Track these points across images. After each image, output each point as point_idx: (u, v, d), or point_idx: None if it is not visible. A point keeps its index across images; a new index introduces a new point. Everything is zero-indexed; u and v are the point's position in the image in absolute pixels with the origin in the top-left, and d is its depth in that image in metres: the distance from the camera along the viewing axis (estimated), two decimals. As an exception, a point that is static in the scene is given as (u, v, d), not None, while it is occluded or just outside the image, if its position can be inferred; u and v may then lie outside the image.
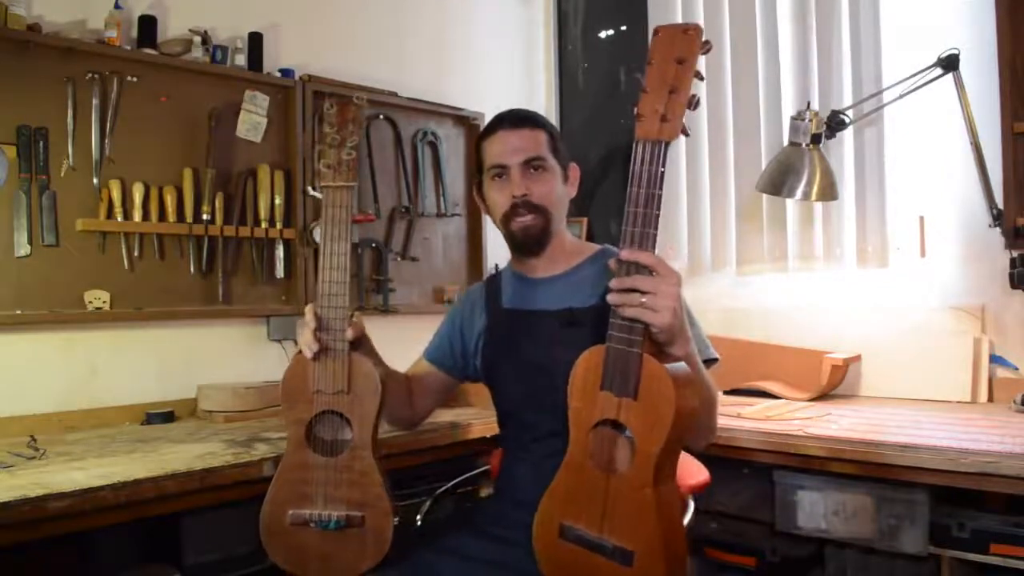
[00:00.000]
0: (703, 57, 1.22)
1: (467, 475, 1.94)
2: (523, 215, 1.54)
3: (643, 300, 1.18)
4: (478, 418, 2.06)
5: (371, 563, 1.42)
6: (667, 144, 1.20)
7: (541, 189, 1.54)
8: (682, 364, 1.24)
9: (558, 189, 1.58)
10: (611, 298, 1.22)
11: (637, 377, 1.19)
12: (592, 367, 1.25)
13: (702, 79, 1.22)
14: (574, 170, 1.64)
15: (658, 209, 1.21)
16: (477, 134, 2.91)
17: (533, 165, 1.54)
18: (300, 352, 1.43)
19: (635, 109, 1.21)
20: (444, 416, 2.12)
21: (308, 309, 1.43)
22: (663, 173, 1.20)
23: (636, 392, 1.20)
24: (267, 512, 1.43)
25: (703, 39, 1.19)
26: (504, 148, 1.55)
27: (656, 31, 1.21)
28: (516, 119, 1.58)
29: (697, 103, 1.21)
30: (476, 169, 1.65)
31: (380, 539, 1.41)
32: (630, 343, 1.20)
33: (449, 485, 1.90)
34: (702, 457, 1.64)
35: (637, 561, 1.19)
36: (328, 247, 1.42)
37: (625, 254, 1.21)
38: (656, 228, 1.21)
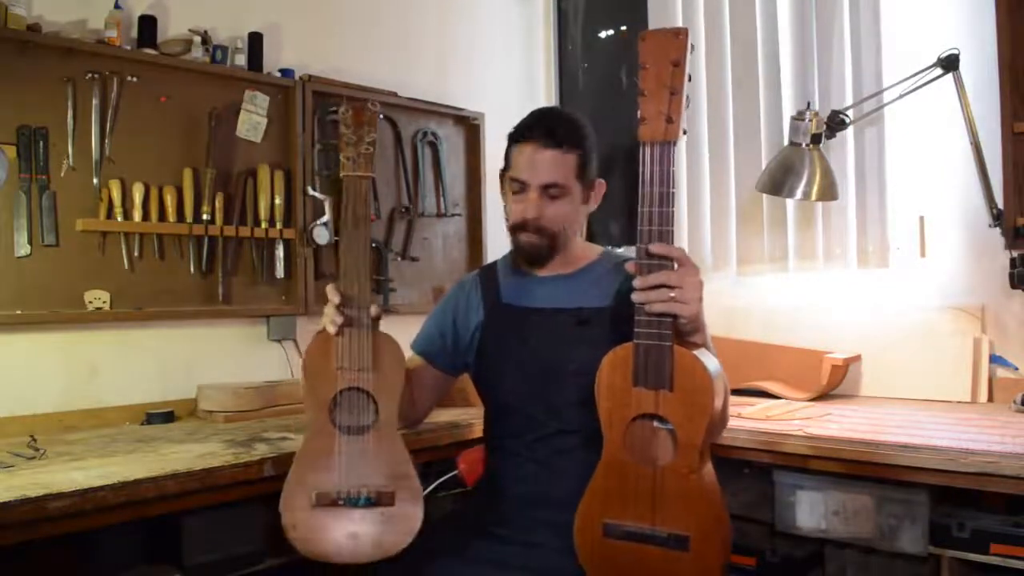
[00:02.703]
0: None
1: (438, 481, 1.92)
2: (531, 235, 1.55)
3: (672, 294, 1.23)
4: (479, 418, 2.06)
5: (402, 544, 1.39)
6: (674, 143, 1.25)
7: (554, 212, 1.54)
8: (705, 351, 1.30)
9: (573, 211, 1.57)
10: (637, 296, 1.26)
11: (671, 369, 1.25)
12: (620, 366, 1.29)
13: (689, 79, 1.27)
14: (600, 186, 1.62)
15: (673, 206, 1.26)
16: (477, 134, 2.96)
17: (551, 193, 1.53)
18: (321, 331, 1.42)
19: (638, 113, 1.26)
20: (444, 416, 2.12)
21: (330, 288, 1.42)
22: (674, 171, 1.26)
23: (672, 383, 1.25)
24: (289, 493, 1.39)
25: (689, 42, 1.26)
26: (529, 164, 1.52)
27: (643, 36, 1.28)
28: (550, 137, 1.51)
29: (688, 103, 1.27)
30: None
31: (411, 517, 1.40)
32: (661, 337, 1.25)
33: (426, 492, 1.89)
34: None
35: (693, 544, 1.24)
36: (349, 231, 1.44)
37: (656, 248, 1.25)
38: (672, 225, 1.26)
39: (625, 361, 1.28)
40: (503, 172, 1.62)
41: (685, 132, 1.27)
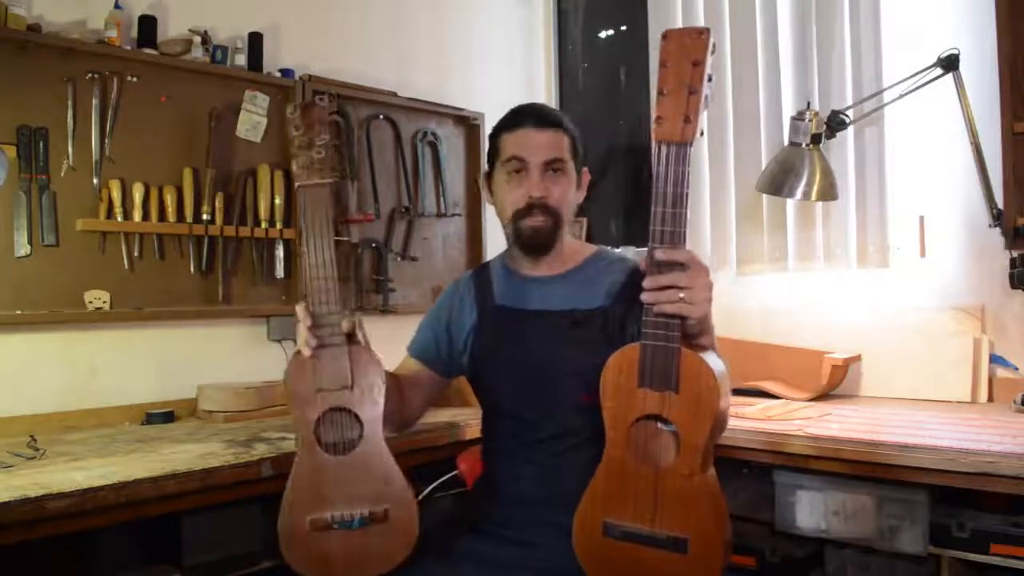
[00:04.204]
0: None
1: (439, 480, 1.92)
2: (536, 216, 1.52)
3: (682, 295, 1.22)
4: (476, 418, 2.06)
5: (402, 556, 1.39)
6: (691, 144, 1.23)
7: (558, 191, 1.53)
8: (712, 354, 1.29)
9: (572, 193, 1.57)
10: (646, 297, 1.25)
11: (677, 371, 1.24)
12: (626, 366, 1.28)
13: (711, 80, 1.24)
14: (586, 175, 1.62)
15: (685, 208, 1.24)
16: (477, 134, 2.96)
17: (554, 167, 1.52)
18: (297, 353, 1.41)
19: (655, 112, 1.24)
20: (441, 416, 2.12)
21: (299, 308, 1.40)
22: (689, 172, 1.24)
23: (678, 385, 1.24)
24: (285, 521, 1.38)
25: (712, 41, 1.23)
26: (527, 143, 1.52)
27: (666, 35, 1.25)
28: (544, 118, 1.54)
29: (708, 103, 1.25)
30: (488, 159, 1.61)
31: (407, 529, 1.40)
32: (668, 339, 1.24)
33: (426, 491, 1.89)
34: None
35: (692, 547, 1.24)
36: (312, 244, 1.40)
37: (662, 255, 1.24)
38: (685, 226, 1.25)
39: (632, 361, 1.27)
40: (488, 171, 1.61)
41: (703, 133, 1.25)
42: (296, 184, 1.42)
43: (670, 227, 1.24)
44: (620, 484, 1.30)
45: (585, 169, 1.62)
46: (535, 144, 1.51)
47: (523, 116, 1.54)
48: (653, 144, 1.25)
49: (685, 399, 1.24)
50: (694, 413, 1.24)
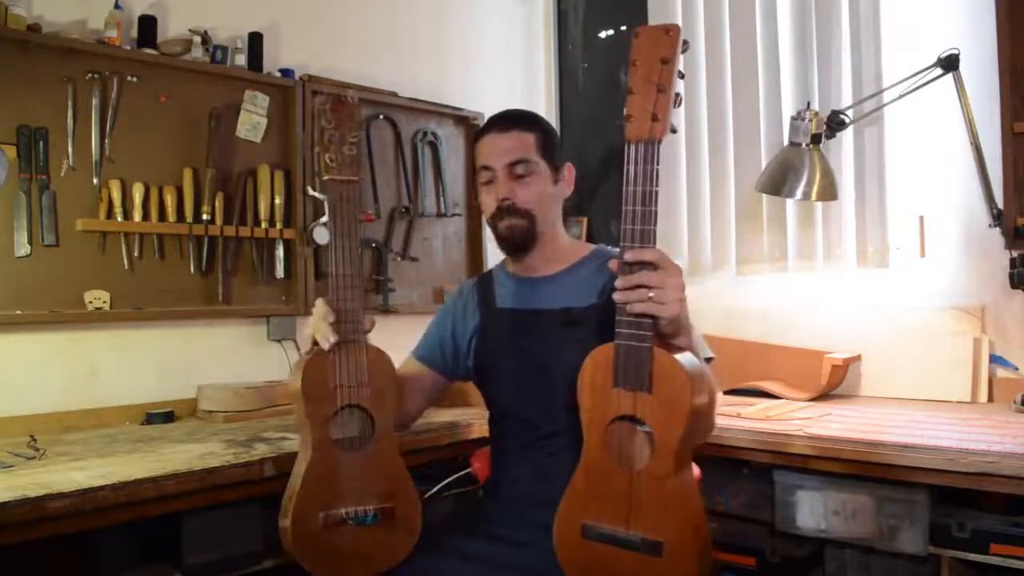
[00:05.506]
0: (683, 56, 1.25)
1: (451, 478, 1.93)
2: (507, 218, 1.55)
3: (651, 295, 1.22)
4: (478, 418, 2.06)
5: (405, 551, 1.42)
6: (659, 142, 1.23)
7: (525, 192, 1.55)
8: (688, 354, 1.28)
9: (546, 191, 1.58)
10: (617, 296, 1.25)
11: (650, 371, 1.23)
12: (601, 366, 1.27)
13: (683, 77, 1.25)
14: (570, 170, 1.64)
15: (656, 206, 1.24)
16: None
17: (518, 169, 1.55)
18: (314, 348, 1.41)
19: (624, 111, 1.24)
20: (444, 416, 2.12)
21: (321, 302, 1.41)
22: (658, 171, 1.23)
23: (650, 386, 1.23)
24: (296, 517, 1.37)
25: (682, 38, 1.23)
26: (491, 150, 1.57)
27: (637, 33, 1.26)
28: (505, 121, 1.60)
29: (680, 101, 1.25)
30: (473, 171, 1.66)
31: (412, 527, 1.43)
32: (640, 338, 1.23)
33: (435, 489, 1.90)
34: (698, 456, 1.63)
35: (666, 550, 1.22)
36: (337, 241, 1.42)
37: (630, 255, 1.24)
38: (655, 224, 1.24)
39: (606, 361, 1.26)
40: (475, 176, 1.65)
41: (675, 131, 1.25)
42: (326, 177, 1.43)
43: (640, 225, 1.24)
44: (597, 485, 1.29)
45: (569, 164, 1.64)
46: (499, 149, 1.56)
47: (491, 123, 1.62)
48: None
49: (658, 399, 1.23)
50: (667, 413, 1.22)
